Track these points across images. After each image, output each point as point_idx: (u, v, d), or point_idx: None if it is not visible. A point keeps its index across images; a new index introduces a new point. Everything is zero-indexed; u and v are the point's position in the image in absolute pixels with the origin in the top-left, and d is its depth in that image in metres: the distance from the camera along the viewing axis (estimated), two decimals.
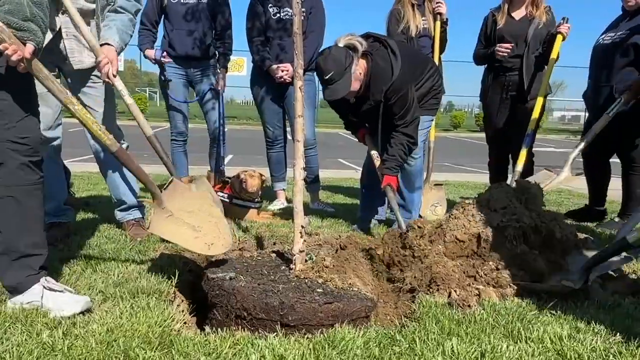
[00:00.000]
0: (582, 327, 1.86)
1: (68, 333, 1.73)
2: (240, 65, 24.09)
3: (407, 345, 1.72)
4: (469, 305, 2.07)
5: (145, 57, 4.31)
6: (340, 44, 3.02)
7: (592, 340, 1.75)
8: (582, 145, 3.63)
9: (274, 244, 2.83)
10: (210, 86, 4.35)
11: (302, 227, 2.28)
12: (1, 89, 1.90)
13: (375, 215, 3.72)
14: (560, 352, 1.68)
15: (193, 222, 2.37)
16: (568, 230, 2.62)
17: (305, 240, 2.29)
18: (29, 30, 1.84)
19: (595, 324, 1.88)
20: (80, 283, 2.22)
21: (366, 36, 3.17)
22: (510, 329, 1.84)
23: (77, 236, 2.99)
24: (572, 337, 1.78)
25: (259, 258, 2.48)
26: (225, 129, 4.50)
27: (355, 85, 3.06)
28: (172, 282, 2.27)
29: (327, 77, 2.95)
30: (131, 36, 2.93)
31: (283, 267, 2.31)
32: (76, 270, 2.37)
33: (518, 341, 1.76)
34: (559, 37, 3.91)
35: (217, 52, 4.37)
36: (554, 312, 2.01)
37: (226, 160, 4.96)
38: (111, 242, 2.89)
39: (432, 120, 3.57)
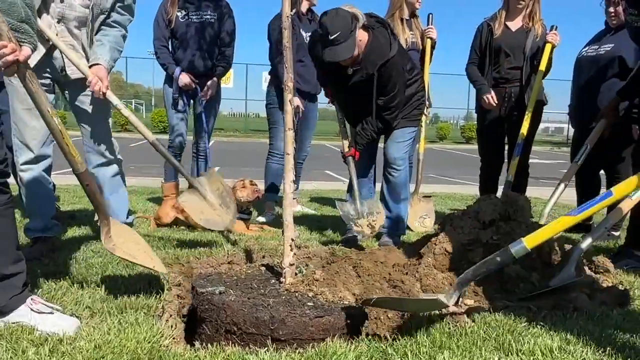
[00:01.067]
0: (572, 338, 1.87)
1: (54, 350, 1.69)
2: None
3: (399, 359, 1.71)
4: (459, 320, 2.07)
5: (173, 77, 4.29)
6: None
7: (583, 351, 1.76)
8: (556, 196, 3.64)
9: (264, 257, 2.82)
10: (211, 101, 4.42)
11: (292, 239, 2.27)
12: None
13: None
14: None
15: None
16: (556, 243, 2.65)
17: (295, 253, 2.28)
18: (25, 32, 1.76)
19: (585, 336, 1.88)
20: (67, 298, 2.18)
21: (369, 15, 3.22)
22: (501, 341, 1.84)
23: (63, 251, 2.94)
24: (562, 349, 1.78)
25: (249, 272, 2.46)
26: (210, 143, 4.49)
27: (356, 52, 3.07)
28: (160, 296, 2.24)
29: (332, 36, 2.94)
30: (121, 52, 2.96)
31: (273, 281, 2.29)
32: (62, 285, 2.33)
33: (509, 353, 1.75)
34: (548, 46, 3.96)
35: (216, 64, 4.43)
36: (543, 324, 2.01)
37: (216, 169, 4.94)
38: (98, 256, 2.85)
39: (415, 131, 3.59)
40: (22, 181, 2.86)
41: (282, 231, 2.34)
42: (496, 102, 4.09)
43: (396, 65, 3.15)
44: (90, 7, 2.80)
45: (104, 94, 2.79)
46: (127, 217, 3.32)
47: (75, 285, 2.35)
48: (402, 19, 4.12)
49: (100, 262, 2.73)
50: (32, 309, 1.91)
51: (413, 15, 4.24)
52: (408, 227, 3.81)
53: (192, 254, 2.91)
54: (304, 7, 4.33)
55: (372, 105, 3.24)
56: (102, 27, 2.88)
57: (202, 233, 3.52)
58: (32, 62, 2.41)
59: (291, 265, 2.26)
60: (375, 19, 3.23)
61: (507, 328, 1.95)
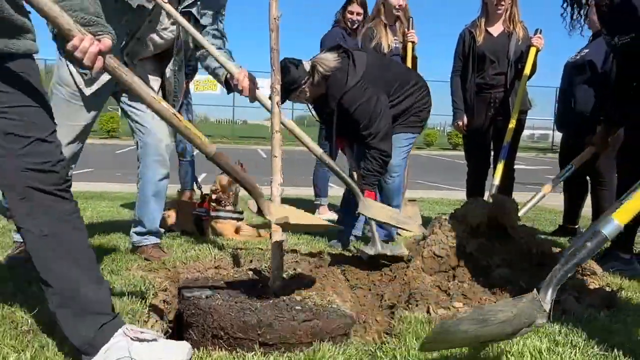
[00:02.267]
0: (560, 340, 1.87)
1: (36, 356, 1.65)
2: (214, 84, 24.05)
3: None
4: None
5: None
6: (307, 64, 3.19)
7: (571, 353, 1.76)
8: (533, 202, 3.65)
9: (251, 261, 2.79)
10: (185, 104, 4.42)
11: (280, 242, 2.26)
12: (12, 107, 1.56)
13: (353, 231, 3.71)
14: None
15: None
16: (544, 245, 2.66)
17: (282, 257, 2.26)
18: (99, 24, 1.57)
19: (573, 337, 1.89)
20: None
21: (337, 47, 3.29)
22: (490, 343, 1.83)
23: None
24: (551, 350, 1.78)
25: (236, 276, 2.44)
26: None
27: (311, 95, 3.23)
28: (145, 301, 2.20)
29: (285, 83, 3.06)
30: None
31: (261, 285, 2.27)
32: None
33: (498, 355, 1.75)
34: (533, 50, 3.99)
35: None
36: None
37: (200, 178, 4.92)
38: None
39: (414, 138, 3.56)
40: None
41: (270, 235, 2.32)
42: (465, 130, 4.24)
43: (358, 93, 3.15)
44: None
45: (254, 96, 2.77)
46: (154, 236, 3.09)
47: None
48: (384, 25, 4.16)
49: None
50: (131, 338, 1.60)
51: (397, 20, 4.26)
52: (398, 234, 3.81)
53: (178, 259, 2.88)
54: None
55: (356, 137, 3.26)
56: (209, 39, 2.85)
57: (188, 238, 3.49)
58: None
59: (279, 268, 2.24)
60: (343, 50, 3.28)
61: None
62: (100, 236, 3.50)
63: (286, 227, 2.14)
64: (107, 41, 1.55)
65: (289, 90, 3.13)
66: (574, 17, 3.04)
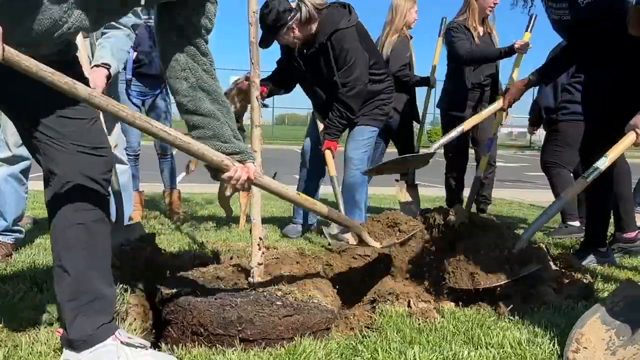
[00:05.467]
0: (539, 331, 1.88)
1: (10, 355, 1.61)
2: None
3: (369, 356, 1.70)
4: (428, 315, 2.07)
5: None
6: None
7: (550, 343, 1.77)
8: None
9: (231, 258, 2.76)
10: (162, 101, 4.38)
11: (260, 239, 2.24)
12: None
13: (308, 221, 3.78)
14: (521, 356, 1.69)
15: None
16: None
17: (263, 253, 2.24)
18: (241, 151, 1.70)
19: (552, 328, 1.90)
20: (25, 303, 2.08)
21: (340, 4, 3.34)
22: (471, 335, 1.85)
23: (22, 255, 2.83)
24: (530, 342, 1.79)
25: (216, 272, 2.41)
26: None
27: (297, 34, 3.21)
28: (124, 299, 2.16)
29: (269, 22, 3.10)
30: (128, 52, 2.82)
31: (241, 281, 2.25)
32: (20, 289, 2.23)
33: (479, 347, 1.76)
34: (521, 57, 3.91)
35: None
36: (512, 317, 2.03)
37: (178, 178, 4.86)
38: None
39: (376, 132, 3.58)
40: None
41: (250, 230, 2.30)
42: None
43: (349, 36, 3.20)
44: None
45: None
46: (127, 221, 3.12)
47: (34, 289, 2.25)
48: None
49: None
50: (121, 342, 1.58)
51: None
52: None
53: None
54: None
55: (334, 84, 3.27)
56: (104, 29, 2.72)
57: (169, 235, 3.45)
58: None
59: (259, 264, 2.22)
60: (341, 4, 3.33)
61: (476, 322, 1.96)
62: None
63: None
64: (251, 166, 1.69)
65: (274, 28, 3.09)
66: None
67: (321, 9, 3.23)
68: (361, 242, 1.95)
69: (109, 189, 1.66)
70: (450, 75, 4.35)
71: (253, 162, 1.72)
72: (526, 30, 3.82)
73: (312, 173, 3.69)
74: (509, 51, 3.86)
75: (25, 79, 1.28)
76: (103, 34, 2.73)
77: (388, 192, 7.07)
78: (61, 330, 1.59)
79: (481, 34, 4.20)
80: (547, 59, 3.62)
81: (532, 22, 3.82)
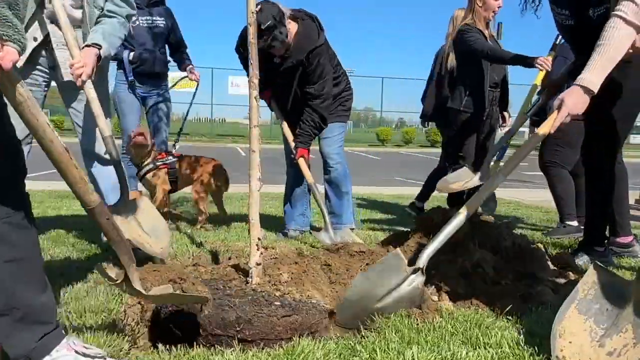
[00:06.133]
0: (537, 331, 1.88)
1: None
2: (192, 82, 23.78)
3: (368, 356, 1.70)
4: (427, 316, 2.06)
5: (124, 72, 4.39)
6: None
7: (549, 343, 1.77)
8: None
9: (229, 258, 2.76)
10: (164, 100, 4.56)
11: (259, 239, 2.24)
12: None
13: (297, 226, 3.82)
14: (519, 356, 1.69)
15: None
16: (519, 239, 2.69)
17: (262, 253, 2.24)
18: (10, 24, 1.21)
19: (550, 328, 1.90)
20: None
21: (299, 10, 3.36)
22: (469, 335, 1.85)
23: None
24: (528, 342, 1.79)
25: (215, 273, 2.41)
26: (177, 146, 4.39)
27: (288, 39, 3.21)
28: (121, 299, 2.16)
29: (264, 25, 3.02)
30: (122, 39, 2.78)
31: (240, 281, 2.25)
32: None
33: (477, 347, 1.76)
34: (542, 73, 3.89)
35: (178, 60, 4.78)
36: (510, 317, 2.03)
37: None
38: (57, 260, 2.75)
39: (343, 126, 3.75)
40: None
41: (248, 231, 2.30)
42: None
43: (323, 53, 3.30)
44: (82, 7, 2.63)
45: (83, 82, 2.44)
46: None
47: None
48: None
49: (59, 266, 2.63)
50: (77, 352, 1.47)
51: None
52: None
53: (156, 258, 2.83)
54: None
55: (305, 96, 3.35)
56: (98, 18, 2.70)
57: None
58: (19, 63, 1.90)
59: (258, 264, 2.22)
60: (304, 12, 3.38)
61: (474, 322, 1.96)
62: (75, 234, 3.44)
63: (153, 300, 1.90)
64: (12, 54, 1.21)
65: (271, 28, 3.05)
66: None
67: (295, 18, 3.29)
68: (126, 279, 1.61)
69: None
70: (467, 75, 4.35)
71: (19, 50, 1.23)
72: (551, 50, 3.83)
73: (298, 176, 3.73)
74: (530, 62, 3.90)
75: None
76: (97, 23, 2.71)
77: (387, 191, 7.08)
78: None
79: (487, 36, 4.22)
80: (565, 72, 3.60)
81: (556, 42, 3.84)
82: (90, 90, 2.50)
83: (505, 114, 4.62)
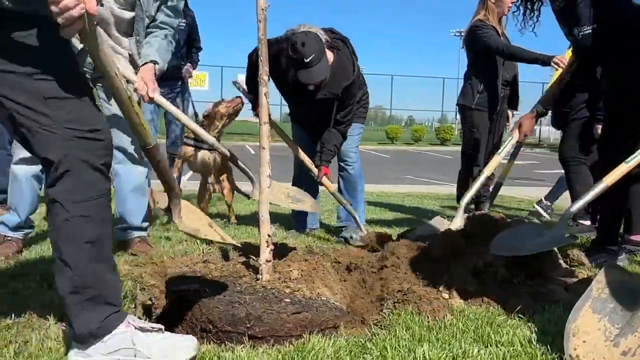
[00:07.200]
0: (549, 329, 1.87)
1: (20, 352, 1.62)
2: (202, 80, 23.89)
3: (379, 353, 1.69)
4: (438, 313, 2.05)
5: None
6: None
7: (561, 341, 1.75)
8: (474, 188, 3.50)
9: (240, 255, 2.76)
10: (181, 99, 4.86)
11: (269, 235, 2.24)
12: (50, 67, 1.38)
13: (308, 225, 3.85)
14: (531, 354, 1.68)
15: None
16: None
17: (272, 250, 2.24)
18: None
19: (563, 326, 1.87)
20: (35, 299, 2.10)
21: (329, 31, 3.26)
22: (480, 333, 1.83)
23: (32, 251, 2.85)
24: (540, 340, 1.78)
25: (225, 269, 2.41)
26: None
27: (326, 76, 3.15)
28: (132, 296, 2.17)
29: (308, 59, 2.98)
30: (172, 52, 2.85)
31: (249, 278, 2.25)
32: (30, 287, 2.25)
33: (488, 345, 1.75)
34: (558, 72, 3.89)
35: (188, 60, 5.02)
36: (522, 315, 2.01)
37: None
38: None
39: (362, 127, 3.79)
40: (14, 173, 2.77)
41: (259, 228, 2.30)
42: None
43: (356, 85, 3.30)
44: (132, 10, 2.65)
45: (151, 98, 2.61)
46: (142, 222, 3.05)
47: (44, 285, 2.27)
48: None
49: None
50: (135, 327, 1.53)
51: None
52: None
53: (166, 254, 2.84)
54: None
55: (330, 120, 3.33)
56: (149, 29, 2.75)
57: (177, 232, 3.45)
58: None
59: (268, 261, 2.22)
60: (336, 35, 3.28)
61: (485, 320, 1.95)
62: None
63: (191, 234, 2.10)
64: (93, 1, 1.27)
65: (314, 63, 2.99)
66: (527, 14, 3.06)
67: (332, 48, 3.20)
68: (168, 209, 1.91)
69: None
70: (478, 73, 4.32)
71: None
72: (569, 48, 3.78)
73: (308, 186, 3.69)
74: (546, 61, 3.86)
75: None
76: (148, 34, 2.75)
77: (389, 189, 7.07)
78: (65, 324, 1.55)
79: (500, 33, 4.20)
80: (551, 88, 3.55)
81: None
82: (160, 99, 2.72)
83: (509, 112, 4.58)
